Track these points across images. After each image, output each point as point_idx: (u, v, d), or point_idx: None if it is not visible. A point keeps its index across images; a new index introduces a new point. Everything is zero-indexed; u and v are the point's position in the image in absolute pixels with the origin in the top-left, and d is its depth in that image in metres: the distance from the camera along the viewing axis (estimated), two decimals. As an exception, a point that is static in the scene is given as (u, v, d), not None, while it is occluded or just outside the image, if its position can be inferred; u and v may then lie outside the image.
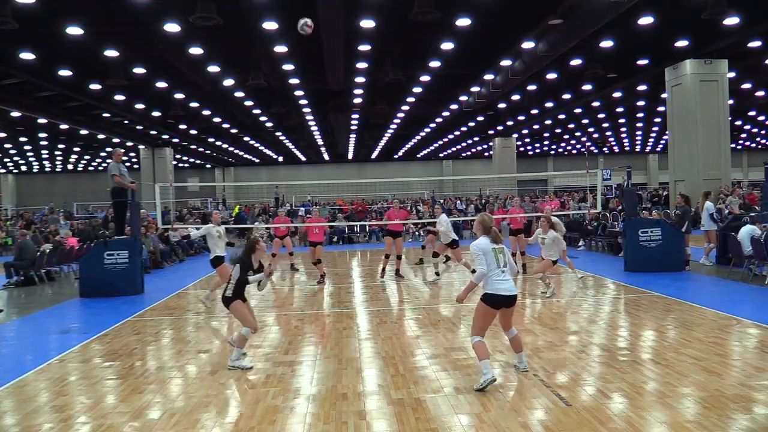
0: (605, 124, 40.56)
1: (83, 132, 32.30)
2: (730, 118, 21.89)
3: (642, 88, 26.27)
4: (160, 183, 15.23)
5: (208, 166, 56.89)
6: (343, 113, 29.49)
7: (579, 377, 5.68)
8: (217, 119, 30.31)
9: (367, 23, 15.02)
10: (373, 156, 52.99)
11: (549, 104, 29.61)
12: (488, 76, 22.35)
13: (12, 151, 43.81)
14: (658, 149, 55.38)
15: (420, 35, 16.89)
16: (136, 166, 41.27)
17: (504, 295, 5.52)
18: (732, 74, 21.90)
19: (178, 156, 45.58)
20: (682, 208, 13.52)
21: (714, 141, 20.73)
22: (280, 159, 52.44)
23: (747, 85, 26.79)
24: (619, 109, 33.96)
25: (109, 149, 38.90)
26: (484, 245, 5.59)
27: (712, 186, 18.74)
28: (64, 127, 29.59)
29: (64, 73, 19.27)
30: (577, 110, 32.73)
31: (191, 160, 51.63)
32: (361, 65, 19.72)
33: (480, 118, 33.45)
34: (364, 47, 17.54)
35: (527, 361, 5.95)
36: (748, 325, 7.50)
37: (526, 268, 12.93)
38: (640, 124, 41.46)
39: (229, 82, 21.51)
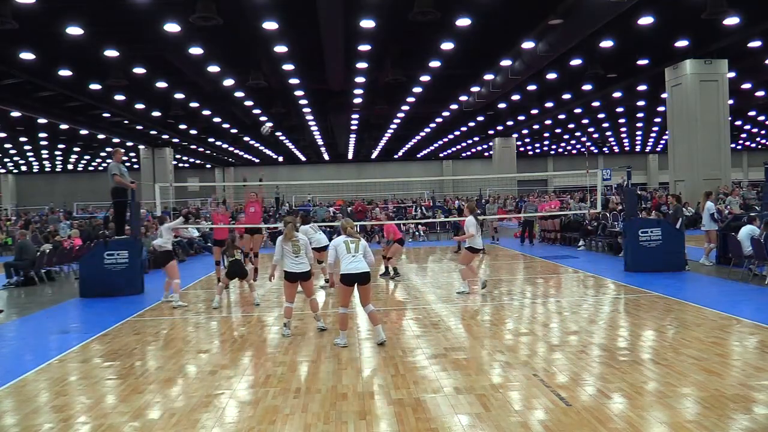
0: (605, 124, 40.56)
1: (83, 132, 32.32)
2: (730, 118, 21.89)
3: (642, 88, 26.27)
4: (160, 183, 15.22)
5: (208, 166, 56.89)
6: (343, 113, 29.49)
7: (579, 377, 5.68)
8: (217, 119, 30.32)
9: (367, 23, 15.02)
10: (373, 156, 53.00)
11: (549, 104, 29.60)
12: (488, 76, 22.35)
13: (12, 151, 43.83)
14: (658, 149, 55.38)
15: (420, 35, 16.88)
16: (136, 166, 41.30)
17: (354, 273, 6.92)
18: (732, 74, 21.90)
19: (178, 156, 45.60)
20: (674, 207, 14.17)
21: (714, 141, 20.72)
22: (280, 159, 52.45)
23: (747, 85, 26.80)
24: (619, 109, 33.97)
25: (109, 149, 38.92)
26: (336, 242, 7.21)
27: (712, 186, 18.74)
28: (64, 127, 29.60)
29: (64, 73, 19.27)
30: (577, 110, 32.73)
31: (191, 160, 51.65)
32: (361, 65, 19.72)
33: (480, 118, 33.46)
34: (364, 47, 17.54)
35: (384, 335, 7.09)
36: (748, 325, 7.50)
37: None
38: (640, 124, 41.46)
39: (229, 82, 21.52)
